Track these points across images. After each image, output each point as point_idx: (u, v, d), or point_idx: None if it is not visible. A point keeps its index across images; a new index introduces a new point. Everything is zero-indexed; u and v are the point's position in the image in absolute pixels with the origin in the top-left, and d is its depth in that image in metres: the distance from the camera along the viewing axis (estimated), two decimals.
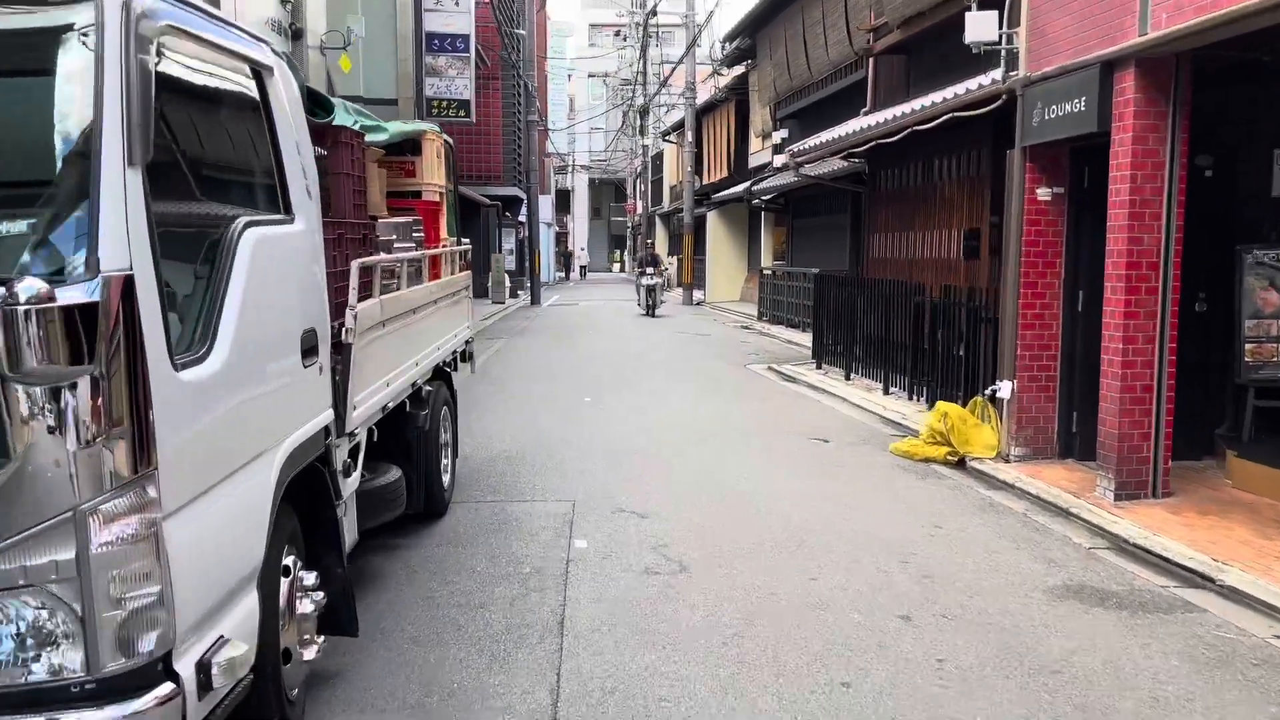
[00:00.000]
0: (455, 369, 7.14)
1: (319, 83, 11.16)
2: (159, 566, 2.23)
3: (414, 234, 5.42)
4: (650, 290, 24.24)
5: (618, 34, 57.72)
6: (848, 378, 12.23)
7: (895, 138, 10.38)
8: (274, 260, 3.05)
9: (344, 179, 4.16)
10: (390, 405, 4.63)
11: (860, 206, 15.77)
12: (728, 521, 6.01)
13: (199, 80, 2.80)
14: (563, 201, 60.43)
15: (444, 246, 6.25)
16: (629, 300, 30.16)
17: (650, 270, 24.60)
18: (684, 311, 26.29)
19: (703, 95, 30.25)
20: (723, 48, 24.58)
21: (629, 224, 61.83)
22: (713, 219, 29.80)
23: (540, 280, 30.28)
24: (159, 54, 2.41)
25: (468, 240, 7.36)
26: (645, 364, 14.29)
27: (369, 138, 5.01)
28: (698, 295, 29.65)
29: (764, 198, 21.87)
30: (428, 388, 5.61)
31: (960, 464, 7.86)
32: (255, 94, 3.18)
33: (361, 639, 3.96)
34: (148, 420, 2.22)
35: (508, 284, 29.03)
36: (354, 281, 3.75)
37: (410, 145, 6.17)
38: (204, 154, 2.94)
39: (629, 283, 49.64)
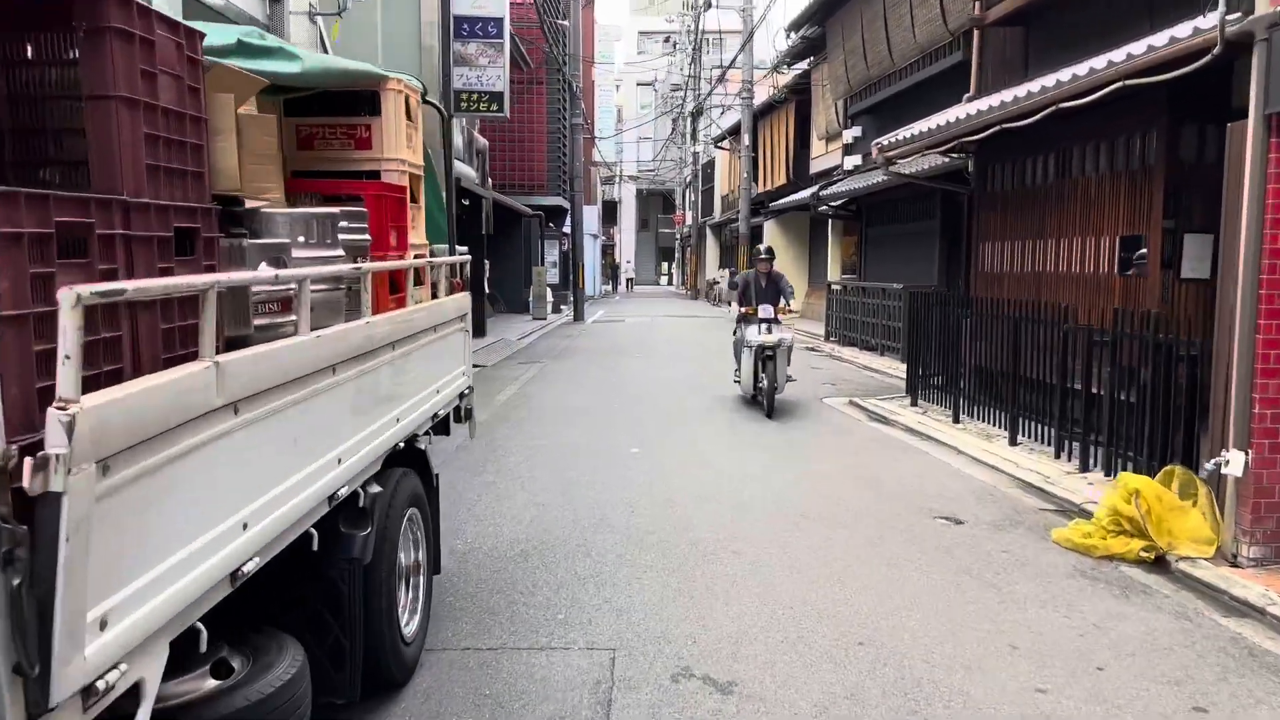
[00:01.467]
0: (448, 431, 4.99)
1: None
2: None
3: (349, 234, 3.24)
4: (769, 358, 10.38)
5: (667, 40, 55.66)
6: (956, 419, 9.90)
7: (1032, 119, 8.04)
8: None
9: (121, 110, 1.93)
10: (257, 565, 2.42)
11: (957, 210, 13.44)
12: (864, 705, 3.73)
13: None
14: (609, 213, 58.70)
15: (413, 256, 4.03)
16: (683, 317, 27.90)
17: (769, 315, 10.49)
18: None
19: (759, 97, 28.12)
20: (786, 37, 22.25)
21: (677, 235, 59.73)
22: (770, 229, 27.64)
23: (584, 294, 28.16)
24: None
25: (465, 248, 5.16)
26: (704, 396, 12.00)
27: (253, 64, 2.83)
28: None
29: (833, 204, 19.54)
30: (375, 488, 3.40)
31: (1158, 562, 5.56)
32: None
33: None
34: None
35: (550, 298, 27.09)
36: (66, 344, 1.49)
37: (366, 101, 4.00)
38: None
39: (678, 297, 47.09)
